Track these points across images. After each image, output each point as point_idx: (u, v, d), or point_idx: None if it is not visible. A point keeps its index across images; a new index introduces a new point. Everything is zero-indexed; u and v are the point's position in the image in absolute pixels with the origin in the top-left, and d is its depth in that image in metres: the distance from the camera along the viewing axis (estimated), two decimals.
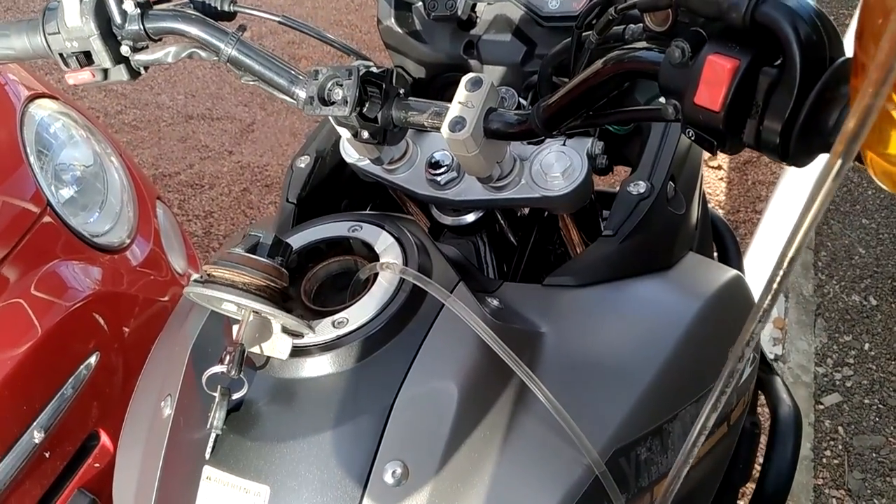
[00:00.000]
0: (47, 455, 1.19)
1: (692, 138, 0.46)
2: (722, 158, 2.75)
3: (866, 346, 2.09)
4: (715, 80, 0.42)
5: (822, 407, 1.96)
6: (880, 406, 1.95)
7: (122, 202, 1.44)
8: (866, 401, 1.97)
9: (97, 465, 1.29)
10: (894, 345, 2.09)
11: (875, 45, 0.32)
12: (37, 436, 1.15)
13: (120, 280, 1.36)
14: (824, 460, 1.85)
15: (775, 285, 0.31)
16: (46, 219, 1.27)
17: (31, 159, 1.29)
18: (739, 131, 0.44)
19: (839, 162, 0.27)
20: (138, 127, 3.07)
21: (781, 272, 0.31)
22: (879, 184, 0.35)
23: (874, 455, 1.85)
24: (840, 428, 1.91)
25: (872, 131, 0.34)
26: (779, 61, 0.41)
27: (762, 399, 0.98)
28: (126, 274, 1.38)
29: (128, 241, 1.41)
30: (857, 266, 2.33)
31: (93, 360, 1.25)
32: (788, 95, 0.40)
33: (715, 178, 2.67)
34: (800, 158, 0.42)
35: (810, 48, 0.40)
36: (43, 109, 1.39)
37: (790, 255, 0.30)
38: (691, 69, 0.44)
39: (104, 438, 1.30)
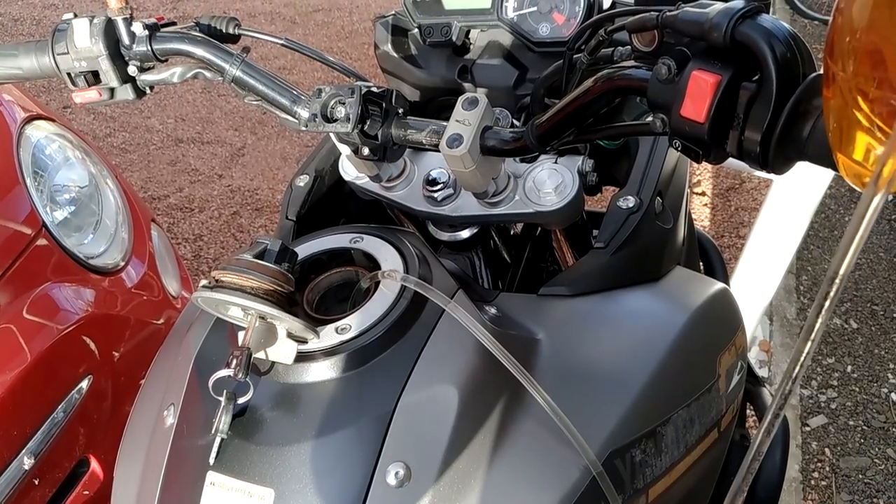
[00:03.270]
0: (37, 482, 1.18)
1: (679, 149, 0.49)
2: (706, 185, 2.80)
3: (849, 369, 2.13)
4: (699, 93, 0.45)
5: (808, 429, 1.98)
6: (864, 427, 1.98)
7: (117, 224, 1.45)
8: (851, 422, 1.99)
9: (87, 492, 1.28)
10: (876, 367, 2.13)
11: (844, 60, 0.35)
12: (27, 462, 1.14)
13: (113, 302, 1.37)
14: (812, 482, 1.86)
15: (827, 304, 0.32)
16: (41, 240, 1.27)
17: (28, 181, 1.30)
18: (723, 142, 0.47)
19: (879, 195, 0.29)
20: (127, 150, 3.08)
21: (833, 291, 0.32)
22: (851, 184, 0.38)
23: (860, 476, 1.87)
24: (827, 450, 1.93)
25: (842, 136, 0.36)
26: (757, 77, 0.44)
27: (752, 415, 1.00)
28: (120, 296, 1.38)
29: (122, 263, 1.42)
30: None
31: (85, 384, 1.25)
32: (766, 108, 0.44)
33: (699, 203, 2.72)
34: (778, 166, 0.45)
35: (785, 64, 0.43)
36: (39, 131, 1.40)
37: (840, 274, 0.31)
38: (677, 84, 0.47)
39: (94, 465, 1.29)
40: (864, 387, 2.08)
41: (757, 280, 1.89)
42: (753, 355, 2.15)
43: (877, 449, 1.92)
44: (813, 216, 1.82)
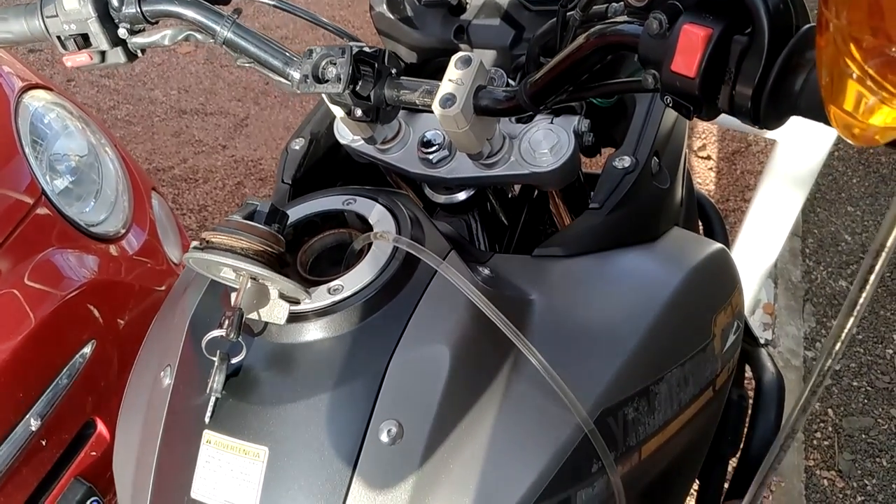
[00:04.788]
0: (44, 443, 1.21)
1: (670, 105, 0.48)
2: (711, 149, 2.77)
3: (854, 330, 2.13)
4: (690, 48, 0.44)
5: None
6: (868, 388, 1.98)
7: (118, 192, 1.45)
8: (855, 383, 2.00)
9: (94, 453, 1.31)
10: (881, 328, 2.12)
11: (838, 6, 0.34)
12: (33, 424, 1.16)
13: (116, 269, 1.38)
14: (815, 442, 1.88)
15: (872, 279, 0.31)
16: (41, 209, 1.28)
17: (26, 150, 1.30)
18: (714, 97, 0.46)
19: None
20: (131, 122, 3.07)
21: (878, 267, 0.31)
22: (843, 136, 0.37)
23: (863, 436, 1.88)
24: (830, 410, 1.94)
25: (834, 86, 0.36)
26: (749, 30, 0.43)
27: (750, 376, 1.01)
28: (122, 263, 1.39)
29: (123, 231, 1.42)
30: (843, 252, 2.36)
31: (88, 349, 1.27)
32: (758, 61, 0.42)
33: (704, 167, 2.70)
34: (770, 122, 0.45)
35: (777, 16, 0.42)
36: (37, 100, 1.39)
37: (886, 249, 0.30)
38: (668, 39, 0.46)
39: (100, 427, 1.32)
40: (868, 348, 2.08)
41: (761, 242, 1.88)
42: (758, 318, 2.16)
43: (880, 409, 1.93)
44: (818, 178, 1.80)
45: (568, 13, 0.66)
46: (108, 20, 0.72)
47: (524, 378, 0.58)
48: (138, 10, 0.72)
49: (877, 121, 0.35)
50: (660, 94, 0.49)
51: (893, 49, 0.32)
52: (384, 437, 0.54)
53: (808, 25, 0.43)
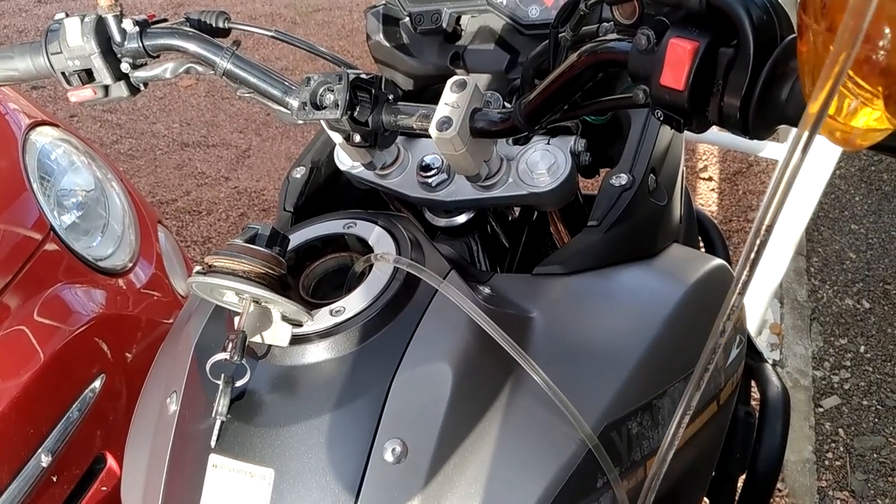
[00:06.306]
0: (55, 479, 1.20)
1: (661, 118, 0.49)
2: (712, 170, 2.79)
3: (862, 349, 2.11)
4: (677, 61, 0.45)
5: (821, 410, 1.97)
6: (879, 407, 1.96)
7: (124, 226, 1.46)
8: (864, 402, 1.98)
9: (104, 488, 1.30)
10: (889, 346, 2.11)
11: (816, 11, 0.35)
12: (44, 460, 1.16)
13: (123, 303, 1.38)
14: (826, 462, 1.85)
15: (752, 255, 0.33)
16: (50, 245, 1.29)
17: (34, 186, 1.32)
18: (703, 109, 0.47)
19: (806, 133, 0.29)
20: (134, 156, 3.11)
21: (758, 241, 0.33)
22: (829, 141, 0.38)
23: (875, 456, 1.85)
24: (840, 430, 1.92)
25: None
26: (735, 42, 0.45)
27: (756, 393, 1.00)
28: (130, 296, 1.40)
29: (130, 265, 1.43)
30: (848, 270, 2.36)
31: (98, 383, 1.27)
32: (744, 72, 0.44)
33: (706, 188, 2.71)
34: (759, 131, 0.45)
35: (761, 27, 0.43)
36: (44, 137, 1.42)
37: (765, 223, 0.32)
38: (656, 54, 0.47)
39: (110, 461, 1.31)
40: (877, 366, 2.06)
41: (765, 262, 1.88)
42: (765, 338, 2.14)
43: (891, 428, 1.90)
44: (821, 197, 1.80)
45: (559, 34, 0.67)
46: (110, 55, 0.74)
47: (527, 395, 0.58)
48: (140, 44, 0.74)
49: (859, 123, 0.35)
50: (650, 108, 0.50)
51: (872, 50, 0.33)
52: (388, 457, 0.54)
53: (791, 36, 0.44)
